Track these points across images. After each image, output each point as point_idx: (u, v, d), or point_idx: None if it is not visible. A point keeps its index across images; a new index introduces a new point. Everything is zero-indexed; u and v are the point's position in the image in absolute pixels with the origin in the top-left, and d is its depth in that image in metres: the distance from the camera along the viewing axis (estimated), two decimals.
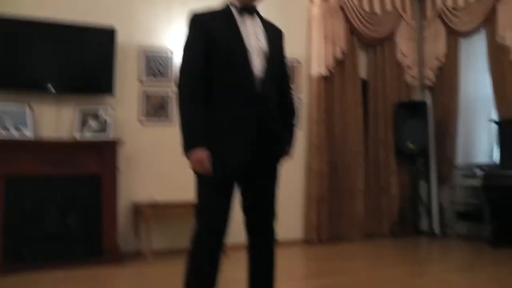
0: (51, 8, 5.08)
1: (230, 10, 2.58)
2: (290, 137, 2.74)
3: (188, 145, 2.39)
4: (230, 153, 2.43)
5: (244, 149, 2.44)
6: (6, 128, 4.70)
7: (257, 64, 2.49)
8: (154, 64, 5.53)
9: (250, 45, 2.50)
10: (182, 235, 5.28)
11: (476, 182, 6.13)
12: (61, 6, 5.15)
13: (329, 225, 6.25)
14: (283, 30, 2.75)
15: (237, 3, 2.58)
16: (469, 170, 6.34)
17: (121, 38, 5.26)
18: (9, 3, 4.92)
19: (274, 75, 2.57)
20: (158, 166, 5.48)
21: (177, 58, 5.51)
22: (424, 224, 6.89)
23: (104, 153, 5.00)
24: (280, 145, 2.65)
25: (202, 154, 2.36)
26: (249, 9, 2.58)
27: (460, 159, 6.68)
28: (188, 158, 2.39)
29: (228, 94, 2.47)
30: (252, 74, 2.46)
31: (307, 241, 6.19)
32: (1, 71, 4.80)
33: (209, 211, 2.47)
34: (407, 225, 6.78)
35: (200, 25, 2.52)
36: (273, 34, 2.66)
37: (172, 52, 5.62)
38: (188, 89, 2.46)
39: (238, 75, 2.47)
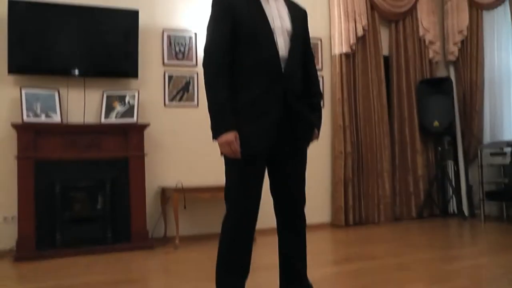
0: None
1: None
2: (317, 119, 2.89)
3: (217, 129, 2.55)
4: (256, 134, 2.58)
5: (270, 129, 2.60)
6: (35, 113, 5.05)
7: (281, 43, 2.67)
8: (177, 46, 5.86)
9: (274, 25, 2.67)
10: (210, 219, 5.70)
11: (505, 160, 6.45)
12: None
13: (356, 207, 6.67)
14: (304, 8, 2.97)
15: None
16: (498, 147, 6.61)
17: (143, 20, 5.71)
18: None
19: (298, 55, 2.75)
20: (184, 149, 5.93)
21: (200, 40, 5.95)
22: (452, 205, 7.19)
23: (130, 137, 5.42)
24: (307, 126, 2.81)
25: (230, 136, 2.52)
26: None
27: (488, 136, 7.04)
28: (217, 141, 2.56)
29: (253, 74, 2.63)
30: (277, 53, 2.64)
31: (334, 224, 6.61)
32: (28, 56, 5.25)
33: (238, 194, 2.64)
34: (435, 206, 7.13)
35: (225, 5, 2.67)
36: (297, 14, 2.83)
37: (195, 34, 6.02)
38: (214, 70, 2.60)
39: (263, 55, 2.63)
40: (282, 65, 2.64)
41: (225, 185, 2.71)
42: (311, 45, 3.02)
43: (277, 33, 2.67)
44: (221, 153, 2.63)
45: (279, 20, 2.70)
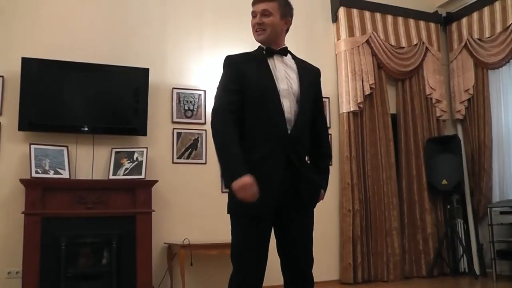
0: (86, 52, 5.63)
1: (262, 53, 2.81)
2: (323, 181, 2.88)
3: (233, 175, 2.51)
4: (259, 196, 2.53)
5: (272, 192, 2.58)
6: (43, 169, 5.09)
7: (287, 106, 2.68)
8: (186, 104, 5.95)
9: (280, 88, 2.69)
10: (217, 276, 5.66)
11: None
12: (96, 49, 5.72)
13: (365, 265, 6.57)
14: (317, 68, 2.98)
15: (263, 46, 2.82)
16: (507, 206, 6.52)
17: (153, 78, 5.81)
18: (48, 47, 5.49)
19: (305, 118, 2.75)
20: (191, 206, 5.92)
21: (209, 98, 6.05)
22: (463, 264, 7.07)
23: (138, 193, 5.42)
24: (312, 188, 2.78)
25: (247, 178, 2.47)
26: (280, 51, 2.81)
27: (497, 194, 6.97)
28: (232, 188, 2.50)
29: (259, 137, 2.66)
30: (282, 115, 2.65)
31: (342, 282, 6.49)
32: (39, 114, 5.33)
33: (243, 255, 2.63)
34: (445, 265, 7.03)
35: (234, 67, 2.74)
36: (307, 75, 2.83)
37: (204, 92, 6.13)
38: (222, 126, 2.61)
39: (269, 117, 2.65)
40: (287, 127, 2.66)
41: (231, 245, 2.70)
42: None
43: (282, 95, 2.69)
44: (228, 211, 2.65)
45: (286, 82, 2.72)
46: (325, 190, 2.87)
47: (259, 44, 2.85)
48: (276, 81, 2.70)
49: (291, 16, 2.86)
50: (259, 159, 2.62)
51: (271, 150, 2.63)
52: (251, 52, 2.87)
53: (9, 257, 5.06)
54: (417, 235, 6.94)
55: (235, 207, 2.63)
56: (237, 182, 2.47)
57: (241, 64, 2.74)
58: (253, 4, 2.81)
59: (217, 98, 2.71)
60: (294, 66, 2.82)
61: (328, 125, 6.55)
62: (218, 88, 2.75)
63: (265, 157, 2.62)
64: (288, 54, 2.85)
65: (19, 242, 4.91)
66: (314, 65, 2.98)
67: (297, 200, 2.70)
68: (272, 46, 2.80)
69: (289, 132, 2.66)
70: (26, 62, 5.25)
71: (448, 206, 7.11)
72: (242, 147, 2.60)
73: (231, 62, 2.77)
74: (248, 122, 2.69)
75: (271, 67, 2.74)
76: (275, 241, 2.75)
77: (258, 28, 2.78)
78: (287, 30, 2.88)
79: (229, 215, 2.69)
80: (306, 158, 2.85)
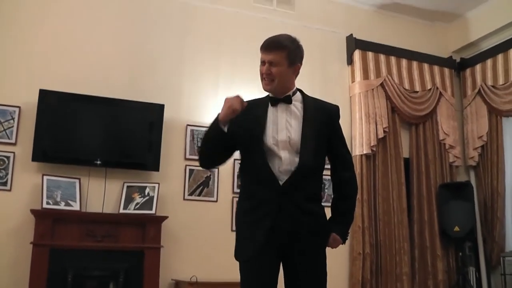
0: (102, 86, 5.69)
1: (267, 101, 2.79)
2: (338, 224, 2.83)
3: (214, 122, 2.67)
4: (247, 241, 2.66)
5: (260, 233, 2.61)
6: (55, 201, 5.08)
7: (286, 157, 2.65)
8: (199, 141, 5.96)
9: (278, 139, 2.68)
10: None
11: None
12: (112, 83, 5.77)
13: None
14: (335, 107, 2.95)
15: (270, 94, 2.81)
16: None
17: (168, 114, 5.83)
18: (65, 80, 5.56)
19: (306, 168, 2.68)
20: (201, 243, 5.85)
21: None
22: None
23: (148, 229, 5.39)
24: (313, 231, 2.69)
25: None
26: (284, 99, 2.76)
27: (510, 243, 6.85)
28: (220, 120, 2.63)
29: (252, 184, 2.72)
30: (267, 168, 2.64)
31: None
32: (53, 145, 5.36)
33: None
34: None
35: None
36: (317, 117, 2.77)
37: None
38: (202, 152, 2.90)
39: (257, 169, 2.68)
40: (283, 179, 2.63)
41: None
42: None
43: (280, 146, 2.66)
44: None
45: (285, 133, 2.69)
46: (342, 234, 2.81)
47: None
48: (269, 132, 2.69)
49: (301, 59, 2.81)
50: (251, 208, 2.67)
51: (262, 198, 2.65)
52: (259, 99, 2.85)
53: (15, 287, 4.98)
54: (428, 281, 6.78)
55: (235, 254, 2.72)
56: (219, 114, 2.64)
57: (244, 112, 2.69)
58: (261, 51, 2.76)
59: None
60: (299, 112, 2.77)
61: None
62: None
63: (256, 205, 2.66)
64: (298, 96, 2.81)
65: (26, 272, 4.86)
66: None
67: (298, 247, 2.66)
68: (276, 95, 2.77)
69: (282, 183, 2.63)
70: (44, 94, 5.30)
71: (460, 254, 6.97)
72: (241, 193, 2.82)
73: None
74: (243, 171, 2.82)
75: (269, 115, 2.74)
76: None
77: (266, 78, 2.73)
78: (298, 73, 2.83)
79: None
80: (314, 202, 2.76)
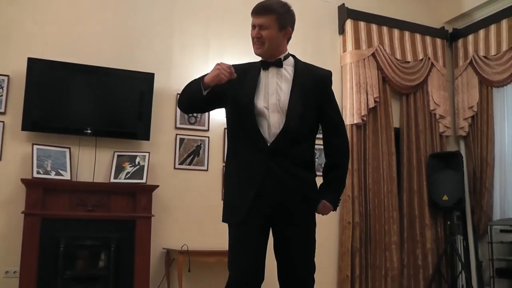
0: (92, 55, 5.62)
1: (259, 65, 2.82)
2: (327, 192, 2.83)
3: (199, 81, 2.71)
4: (236, 202, 2.70)
5: (247, 196, 2.63)
6: (45, 170, 5.05)
7: (274, 120, 2.68)
8: None
9: (269, 102, 2.70)
10: (214, 283, 5.62)
11: None
12: (102, 53, 5.69)
13: (363, 278, 6.50)
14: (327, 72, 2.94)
15: (261, 58, 2.84)
16: (508, 224, 6.48)
17: (158, 83, 5.78)
18: (54, 48, 5.49)
19: (295, 132, 2.69)
20: (191, 212, 5.87)
21: None
22: (461, 281, 7.00)
23: (138, 198, 5.38)
24: (302, 200, 2.71)
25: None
26: (275, 63, 2.79)
27: (498, 213, 6.91)
28: (206, 82, 2.65)
29: (240, 146, 2.75)
30: (258, 131, 2.67)
31: None
32: (43, 114, 5.31)
33: (235, 258, 2.69)
34: (444, 281, 6.94)
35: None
36: (305, 83, 2.77)
37: None
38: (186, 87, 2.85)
39: (246, 131, 2.71)
40: (270, 142, 2.66)
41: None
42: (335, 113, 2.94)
43: (270, 109, 2.69)
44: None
45: (275, 96, 2.71)
46: (333, 201, 2.81)
47: None
48: (257, 96, 2.72)
49: (292, 24, 2.83)
50: (239, 169, 2.72)
51: (250, 161, 2.68)
52: (253, 63, 2.87)
53: (7, 256, 5.01)
54: (417, 250, 6.87)
55: (223, 217, 2.76)
56: (206, 76, 2.68)
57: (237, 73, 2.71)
58: (252, 15, 2.80)
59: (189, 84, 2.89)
60: (290, 76, 2.78)
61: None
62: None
63: (244, 168, 2.69)
64: (290, 60, 2.83)
65: (17, 242, 4.86)
66: None
67: (287, 213, 2.68)
68: (268, 59, 2.79)
69: (270, 145, 2.66)
70: (32, 63, 5.22)
71: (448, 222, 7.02)
72: (229, 153, 2.84)
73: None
74: (231, 133, 2.84)
75: (261, 80, 2.76)
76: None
77: (256, 42, 2.77)
78: (289, 38, 2.84)
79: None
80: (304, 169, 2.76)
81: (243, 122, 2.72)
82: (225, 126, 5.90)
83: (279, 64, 2.78)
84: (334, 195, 2.85)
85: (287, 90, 2.73)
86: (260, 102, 2.70)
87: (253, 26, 2.78)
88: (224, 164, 5.95)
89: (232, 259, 2.70)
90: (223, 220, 2.75)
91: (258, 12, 2.76)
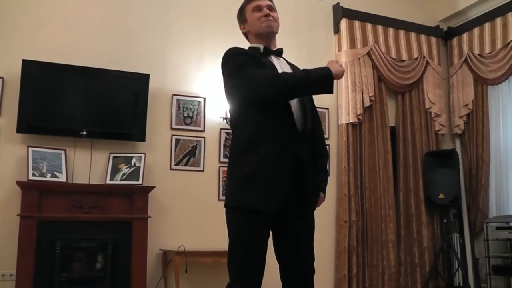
0: (87, 56, 5.59)
1: (259, 50, 2.80)
2: (322, 182, 2.84)
3: (326, 73, 2.49)
4: (270, 191, 2.50)
5: (281, 186, 2.52)
6: (41, 172, 5.03)
7: (295, 105, 2.64)
8: (185, 110, 5.91)
9: None
10: (211, 284, 5.61)
11: (511, 235, 6.29)
12: (97, 54, 5.67)
13: (360, 277, 6.49)
14: None
15: (258, 45, 2.82)
16: (503, 221, 6.47)
17: (154, 84, 5.75)
18: (49, 50, 5.45)
19: (311, 116, 2.75)
20: (188, 213, 5.85)
21: (209, 105, 6.08)
22: (458, 278, 7.00)
23: (135, 199, 5.36)
24: (314, 190, 2.72)
25: (333, 64, 2.56)
26: (276, 52, 2.83)
27: (493, 210, 6.91)
28: (336, 72, 2.50)
29: (268, 130, 2.57)
30: (291, 114, 2.61)
31: None
32: (38, 116, 5.28)
33: (246, 262, 2.53)
34: (441, 278, 6.95)
35: (247, 54, 2.70)
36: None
37: (204, 99, 6.09)
38: (285, 81, 2.55)
39: (277, 114, 2.59)
40: (298, 127, 2.62)
41: (229, 247, 2.58)
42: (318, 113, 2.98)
43: None
44: (229, 205, 2.58)
45: None
46: (324, 192, 2.80)
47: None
48: None
49: None
50: (270, 155, 2.53)
51: (281, 147, 2.55)
52: (251, 48, 2.84)
53: (3, 259, 4.97)
54: (413, 248, 6.86)
55: (242, 199, 2.53)
56: (334, 71, 2.50)
57: (249, 53, 2.72)
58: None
59: (245, 79, 2.59)
60: (288, 66, 2.82)
61: (327, 136, 6.66)
62: (234, 75, 2.64)
63: (275, 153, 2.53)
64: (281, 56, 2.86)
65: (13, 245, 4.84)
66: None
67: (299, 206, 2.63)
68: (269, 46, 2.80)
69: (299, 130, 2.63)
70: (27, 64, 5.19)
71: (445, 220, 7.02)
72: (258, 139, 2.56)
73: (243, 51, 2.72)
74: (257, 116, 2.60)
75: (273, 62, 2.75)
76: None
77: (269, 19, 2.78)
78: None
79: (227, 214, 2.61)
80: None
81: (271, 107, 2.59)
82: (221, 127, 5.99)
83: (280, 53, 2.83)
84: (325, 185, 2.86)
85: None
86: None
87: (259, 7, 2.80)
88: (219, 164, 5.94)
89: (240, 259, 2.54)
90: (247, 205, 2.50)
91: None
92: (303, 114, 2.66)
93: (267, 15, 2.77)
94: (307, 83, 2.52)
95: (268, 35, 2.80)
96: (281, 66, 2.76)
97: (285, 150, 2.56)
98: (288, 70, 2.76)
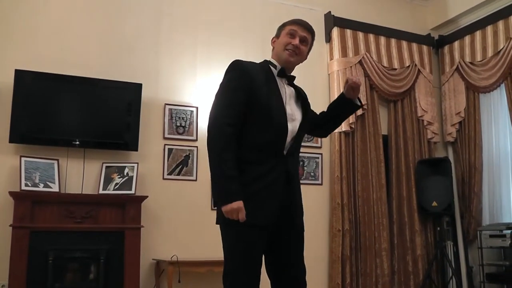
0: (79, 66, 5.65)
1: (270, 68, 2.83)
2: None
3: (226, 197, 2.52)
4: (264, 208, 2.58)
5: (276, 201, 2.61)
6: (33, 182, 5.08)
7: (290, 130, 2.71)
8: (178, 120, 5.98)
9: (287, 112, 2.74)
10: None
11: (505, 243, 6.35)
12: (89, 63, 5.74)
13: (354, 286, 6.54)
14: (305, 86, 3.12)
15: (276, 63, 2.85)
16: (497, 229, 6.53)
17: (146, 93, 5.82)
18: (41, 60, 5.51)
19: (299, 142, 2.82)
20: (181, 223, 5.90)
21: (201, 115, 6.12)
22: (452, 286, 7.05)
23: (127, 209, 5.41)
24: (301, 206, 2.82)
25: (239, 203, 2.50)
26: (288, 77, 2.84)
27: (487, 218, 6.98)
28: (224, 208, 2.52)
29: (262, 151, 2.64)
30: (285, 136, 2.68)
31: None
32: (30, 126, 5.34)
33: (238, 277, 2.57)
34: (435, 287, 7.00)
35: (244, 74, 2.69)
36: (304, 98, 2.92)
37: (196, 108, 6.15)
38: (222, 141, 2.56)
39: (273, 136, 2.65)
40: (287, 147, 2.70)
41: (224, 267, 2.63)
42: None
43: (289, 118, 2.72)
44: (222, 222, 2.61)
45: (289, 107, 2.76)
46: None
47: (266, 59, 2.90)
48: (284, 104, 2.73)
49: None
50: (267, 171, 2.62)
51: (275, 163, 2.64)
52: (262, 64, 2.87)
53: None
54: (407, 256, 6.92)
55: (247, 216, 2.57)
56: (231, 205, 2.50)
57: (251, 73, 2.71)
58: (297, 24, 2.88)
59: (220, 104, 2.66)
60: (294, 92, 2.86)
61: (319, 145, 6.73)
62: (219, 94, 2.71)
63: (269, 169, 2.62)
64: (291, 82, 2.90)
65: (6, 255, 4.87)
66: (307, 83, 3.05)
67: (290, 219, 2.71)
68: (287, 69, 2.85)
69: (288, 152, 2.70)
70: (19, 74, 5.25)
71: (438, 228, 7.10)
72: (246, 159, 2.62)
73: (241, 69, 2.72)
74: (252, 134, 2.65)
75: (279, 88, 2.78)
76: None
77: (294, 50, 2.82)
78: None
79: (222, 228, 2.67)
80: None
81: (269, 125, 2.65)
82: None
83: (292, 79, 2.87)
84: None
85: (295, 102, 2.83)
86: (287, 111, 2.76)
87: (293, 35, 2.84)
88: None
89: (237, 273, 2.59)
90: (245, 219, 2.52)
91: (305, 26, 2.89)
92: (293, 138, 2.76)
93: (295, 46, 2.82)
94: (214, 172, 2.59)
95: (285, 63, 2.84)
96: (289, 92, 2.81)
97: (276, 167, 2.64)
98: (294, 102, 2.83)
